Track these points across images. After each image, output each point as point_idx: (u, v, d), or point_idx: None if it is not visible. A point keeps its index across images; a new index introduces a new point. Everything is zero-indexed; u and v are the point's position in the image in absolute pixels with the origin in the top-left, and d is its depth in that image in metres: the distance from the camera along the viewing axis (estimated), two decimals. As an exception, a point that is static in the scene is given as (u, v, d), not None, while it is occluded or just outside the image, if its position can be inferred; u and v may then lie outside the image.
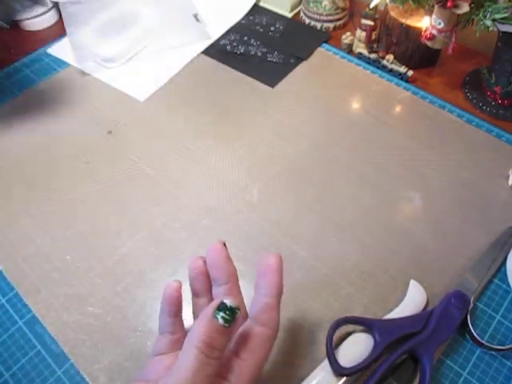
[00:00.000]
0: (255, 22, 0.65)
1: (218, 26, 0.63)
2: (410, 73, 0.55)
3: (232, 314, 0.26)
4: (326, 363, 0.33)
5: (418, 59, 0.56)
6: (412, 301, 0.37)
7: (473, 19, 0.46)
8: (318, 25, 0.63)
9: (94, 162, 0.49)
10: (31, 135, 0.52)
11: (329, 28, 0.63)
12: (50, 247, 0.42)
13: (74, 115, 0.54)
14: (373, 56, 0.57)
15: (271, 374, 0.35)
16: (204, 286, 0.32)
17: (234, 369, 0.26)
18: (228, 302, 0.26)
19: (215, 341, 0.25)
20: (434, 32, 0.48)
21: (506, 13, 0.43)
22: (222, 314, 0.25)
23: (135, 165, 0.49)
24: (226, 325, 0.25)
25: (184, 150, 0.50)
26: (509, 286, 0.39)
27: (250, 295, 0.39)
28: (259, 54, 0.60)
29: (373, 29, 0.57)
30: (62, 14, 0.64)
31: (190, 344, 0.25)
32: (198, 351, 0.24)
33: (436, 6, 0.46)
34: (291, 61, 0.59)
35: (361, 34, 0.58)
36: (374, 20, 0.56)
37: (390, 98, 0.54)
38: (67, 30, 0.62)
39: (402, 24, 0.53)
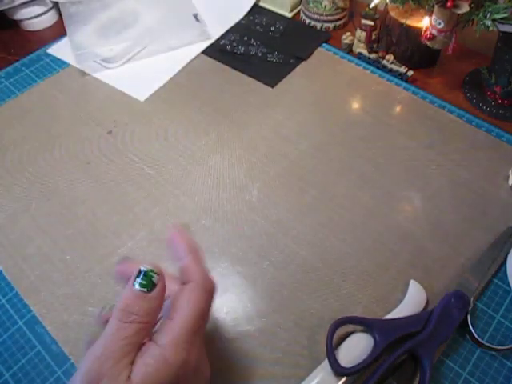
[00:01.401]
0: (255, 21, 0.65)
1: (218, 26, 0.63)
2: (410, 73, 0.55)
3: (147, 278, 0.27)
4: (326, 363, 0.33)
5: (418, 59, 0.56)
6: (412, 301, 0.37)
7: (473, 19, 0.46)
8: (318, 25, 0.63)
9: (94, 162, 0.49)
10: (31, 135, 0.52)
11: (329, 28, 0.63)
12: (50, 247, 0.42)
13: (73, 115, 0.54)
14: (373, 56, 0.57)
15: (271, 374, 0.35)
16: None
17: (162, 329, 0.27)
18: (143, 268, 0.27)
19: (131, 306, 0.26)
20: (434, 32, 0.48)
21: (505, 13, 0.43)
22: (138, 280, 0.26)
23: (135, 165, 0.49)
24: (144, 289, 0.26)
25: (184, 149, 0.50)
26: (509, 285, 0.39)
27: (251, 297, 0.39)
28: (259, 54, 0.60)
29: (373, 29, 0.57)
30: (62, 14, 0.64)
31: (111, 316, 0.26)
32: (113, 318, 0.26)
33: (436, 6, 0.46)
34: (291, 61, 0.59)
35: (361, 34, 0.58)
36: (374, 20, 0.56)
37: (390, 97, 0.54)
38: (67, 30, 0.62)
39: (402, 24, 0.53)
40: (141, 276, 0.27)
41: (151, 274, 0.27)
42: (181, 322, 0.27)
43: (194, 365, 0.27)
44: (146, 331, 0.26)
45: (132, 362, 0.25)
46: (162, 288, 0.27)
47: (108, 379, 0.24)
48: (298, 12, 0.66)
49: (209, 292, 0.29)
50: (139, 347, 0.26)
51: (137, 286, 0.26)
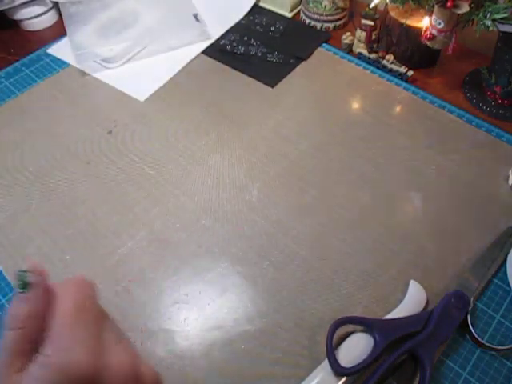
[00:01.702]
0: (255, 21, 0.65)
1: (218, 26, 0.63)
2: (410, 73, 0.55)
3: (20, 279, 0.24)
4: (326, 363, 0.33)
5: (418, 59, 0.56)
6: (412, 301, 0.37)
7: (473, 19, 0.46)
8: (318, 25, 0.63)
9: (94, 161, 0.49)
10: (31, 135, 0.52)
11: (329, 28, 0.63)
12: (50, 247, 0.42)
13: (74, 115, 0.54)
14: (373, 56, 0.57)
15: (271, 374, 0.35)
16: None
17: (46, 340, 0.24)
18: (17, 270, 0.25)
19: (14, 309, 0.24)
20: (434, 32, 0.48)
21: (505, 13, 0.43)
22: (15, 282, 0.24)
23: (135, 165, 0.49)
24: (20, 290, 0.24)
25: (184, 149, 0.50)
26: (509, 285, 0.39)
27: (251, 297, 0.39)
28: (259, 54, 0.60)
29: (373, 29, 0.57)
30: (62, 14, 0.64)
31: None
32: (4, 328, 0.24)
33: (436, 6, 0.46)
34: (291, 61, 0.59)
35: (361, 34, 0.58)
36: (374, 20, 0.56)
37: (390, 98, 0.54)
38: (67, 29, 0.62)
39: (402, 24, 0.53)
40: (17, 278, 0.24)
41: (23, 274, 0.24)
42: (57, 324, 0.24)
43: (102, 364, 0.24)
44: (29, 337, 0.24)
45: (20, 371, 0.23)
46: (42, 287, 0.25)
47: None
48: (298, 12, 0.66)
49: (77, 285, 0.26)
50: (29, 354, 0.23)
51: (16, 289, 0.24)
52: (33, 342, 0.24)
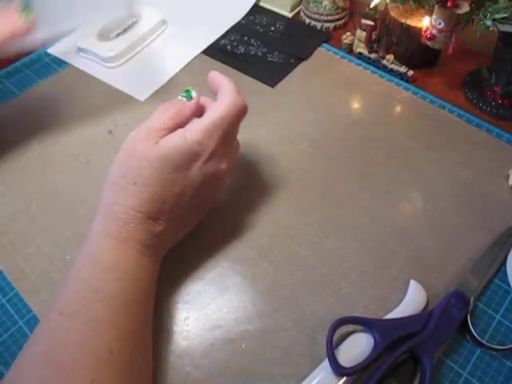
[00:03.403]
0: (255, 21, 0.65)
1: (218, 25, 0.64)
2: (411, 73, 0.55)
3: (187, 93, 0.39)
4: (326, 363, 0.33)
5: (419, 59, 0.56)
6: (412, 301, 0.37)
7: (473, 19, 0.46)
8: (318, 25, 0.63)
9: (94, 161, 0.49)
10: (31, 135, 0.52)
11: (329, 28, 0.63)
12: (50, 247, 0.42)
13: (73, 115, 0.54)
14: (373, 56, 0.57)
15: (271, 374, 0.35)
16: None
17: (191, 123, 0.37)
18: (188, 87, 0.40)
19: (170, 104, 0.38)
20: (434, 32, 0.48)
21: (506, 13, 0.43)
22: (183, 94, 0.39)
23: (135, 165, 0.48)
24: (183, 99, 0.39)
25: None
26: (509, 285, 0.39)
27: (251, 297, 0.39)
28: (259, 53, 0.60)
29: (373, 29, 0.57)
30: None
31: None
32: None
33: (436, 6, 0.46)
34: (291, 61, 0.59)
35: (361, 33, 0.58)
36: (374, 20, 0.56)
37: (390, 97, 0.54)
38: (67, 29, 0.62)
39: (402, 24, 0.53)
40: (184, 91, 0.39)
41: (191, 90, 0.39)
42: (206, 117, 0.36)
43: (210, 151, 0.35)
44: (176, 121, 0.36)
45: (162, 137, 0.34)
46: (196, 101, 0.38)
47: (140, 141, 0.34)
48: (298, 12, 0.66)
49: (238, 107, 0.37)
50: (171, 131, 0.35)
51: (179, 97, 0.39)
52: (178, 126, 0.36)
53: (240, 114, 0.37)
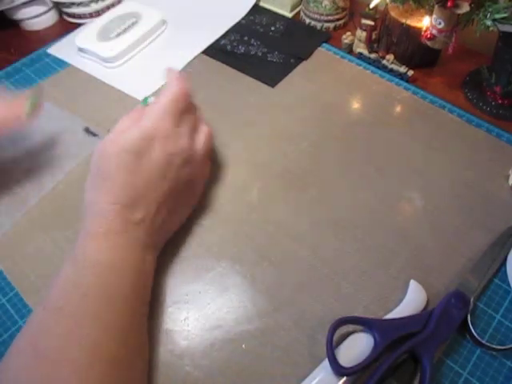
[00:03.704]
0: (255, 21, 0.65)
1: (218, 25, 0.64)
2: (411, 73, 0.55)
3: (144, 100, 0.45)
4: (326, 363, 0.33)
5: (419, 59, 0.56)
6: (412, 301, 0.37)
7: (473, 19, 0.46)
8: (319, 25, 0.63)
9: (94, 161, 0.49)
10: (31, 135, 0.52)
11: (329, 28, 0.63)
12: (50, 247, 0.42)
13: (74, 115, 0.54)
14: (373, 56, 0.57)
15: (271, 373, 0.35)
16: None
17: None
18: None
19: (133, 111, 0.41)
20: (434, 32, 0.48)
21: (506, 13, 0.43)
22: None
23: (135, 165, 0.48)
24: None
25: (184, 149, 0.50)
26: (509, 285, 0.39)
27: (251, 297, 0.39)
28: (259, 53, 0.60)
29: (373, 29, 0.57)
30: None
31: None
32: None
33: (436, 6, 0.46)
34: (291, 61, 0.59)
35: (361, 33, 0.58)
36: (374, 20, 0.56)
37: (390, 97, 0.54)
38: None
39: (402, 24, 0.53)
40: (143, 99, 0.45)
41: (148, 98, 0.45)
42: (155, 104, 0.39)
43: (165, 131, 0.37)
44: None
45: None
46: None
47: (107, 142, 0.37)
48: (299, 12, 0.66)
49: (179, 92, 0.39)
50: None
51: (139, 106, 0.41)
52: None
53: (181, 97, 0.40)
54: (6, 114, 0.42)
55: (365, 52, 0.58)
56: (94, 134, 0.51)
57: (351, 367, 0.32)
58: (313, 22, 0.63)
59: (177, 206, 0.39)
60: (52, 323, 0.30)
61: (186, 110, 0.40)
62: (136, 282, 0.34)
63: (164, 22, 0.64)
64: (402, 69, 0.56)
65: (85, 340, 0.30)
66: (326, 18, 0.62)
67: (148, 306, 0.36)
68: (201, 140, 0.42)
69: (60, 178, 0.47)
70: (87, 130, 0.51)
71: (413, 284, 0.38)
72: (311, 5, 0.62)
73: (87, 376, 0.28)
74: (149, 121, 0.37)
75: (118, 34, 0.60)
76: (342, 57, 0.59)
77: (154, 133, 0.37)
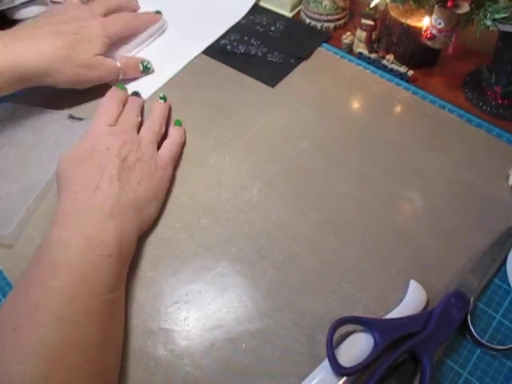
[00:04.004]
0: (255, 21, 0.65)
1: (218, 25, 0.63)
2: (411, 73, 0.55)
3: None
4: (326, 363, 0.33)
5: (419, 59, 0.56)
6: (412, 301, 0.37)
7: (473, 19, 0.46)
8: (319, 25, 0.63)
9: (94, 161, 0.49)
10: (32, 134, 0.52)
11: (329, 28, 0.63)
12: (50, 247, 0.42)
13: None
14: (373, 56, 0.57)
15: (271, 373, 0.35)
16: None
17: None
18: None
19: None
20: (434, 32, 0.48)
21: (506, 13, 0.43)
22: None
23: (135, 165, 0.48)
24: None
25: (184, 149, 0.50)
26: (509, 285, 0.39)
27: (251, 297, 0.39)
28: (259, 53, 0.60)
29: (373, 29, 0.57)
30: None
31: None
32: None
33: (436, 6, 0.46)
34: (291, 61, 0.59)
35: (361, 33, 0.58)
36: (374, 20, 0.56)
37: (390, 97, 0.54)
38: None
39: (402, 24, 0.53)
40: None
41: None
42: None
43: (104, 132, 0.45)
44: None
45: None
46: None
47: None
48: (298, 12, 0.66)
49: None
50: None
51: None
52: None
53: (106, 110, 0.48)
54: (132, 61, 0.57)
55: (365, 52, 0.58)
56: (80, 118, 0.52)
57: (351, 367, 0.32)
58: (313, 22, 0.63)
59: (133, 177, 0.42)
60: (29, 279, 0.34)
61: (120, 113, 0.48)
62: (97, 253, 0.35)
63: (164, 22, 0.64)
64: (402, 69, 0.56)
65: (62, 292, 0.32)
66: (326, 18, 0.62)
67: (122, 279, 0.37)
68: (146, 124, 0.48)
69: (54, 172, 0.47)
70: (71, 117, 0.52)
71: (413, 284, 0.38)
72: (311, 5, 0.62)
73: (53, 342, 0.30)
74: (88, 131, 0.45)
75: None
76: (342, 57, 0.59)
77: (93, 135, 0.44)
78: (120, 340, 0.35)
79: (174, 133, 0.49)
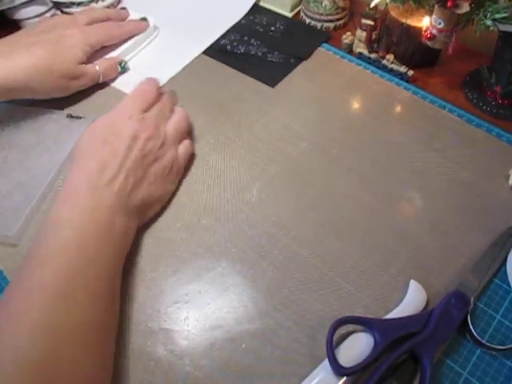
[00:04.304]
0: (255, 21, 0.65)
1: (218, 25, 0.64)
2: (411, 73, 0.55)
3: None
4: (326, 363, 0.33)
5: (419, 59, 0.56)
6: (412, 301, 0.37)
7: (473, 19, 0.46)
8: (319, 25, 0.63)
9: (94, 161, 0.49)
10: (31, 135, 0.52)
11: (329, 28, 0.63)
12: (50, 247, 0.42)
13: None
14: (373, 56, 0.57)
15: (271, 373, 0.35)
16: None
17: None
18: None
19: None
20: (434, 32, 0.48)
21: (506, 12, 0.43)
22: None
23: (135, 165, 0.48)
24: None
25: (184, 149, 0.50)
26: (509, 285, 0.39)
27: (251, 297, 0.39)
28: (259, 53, 0.60)
29: (373, 29, 0.57)
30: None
31: None
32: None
33: (436, 6, 0.46)
34: (291, 61, 0.59)
35: (361, 33, 0.58)
36: (374, 20, 0.56)
37: (390, 97, 0.54)
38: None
39: (402, 24, 0.53)
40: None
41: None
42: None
43: (132, 116, 0.43)
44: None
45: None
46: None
47: None
48: (298, 12, 0.66)
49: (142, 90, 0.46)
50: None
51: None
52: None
53: (143, 92, 0.46)
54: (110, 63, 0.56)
55: (365, 52, 0.58)
56: (79, 117, 0.52)
57: (351, 367, 0.32)
58: (313, 22, 0.63)
59: (147, 176, 0.41)
60: (27, 274, 0.33)
61: (155, 101, 0.46)
62: (104, 241, 0.36)
63: (154, 30, 0.63)
64: (402, 69, 0.56)
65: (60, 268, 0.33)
66: (326, 18, 0.62)
67: (120, 269, 0.38)
68: (173, 120, 0.46)
69: (54, 171, 0.47)
70: (70, 116, 0.52)
71: (413, 284, 0.38)
72: (311, 5, 0.62)
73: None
74: (118, 107, 0.44)
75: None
76: (342, 57, 0.59)
77: (122, 115, 0.43)
78: (115, 327, 0.36)
79: (188, 144, 0.48)
